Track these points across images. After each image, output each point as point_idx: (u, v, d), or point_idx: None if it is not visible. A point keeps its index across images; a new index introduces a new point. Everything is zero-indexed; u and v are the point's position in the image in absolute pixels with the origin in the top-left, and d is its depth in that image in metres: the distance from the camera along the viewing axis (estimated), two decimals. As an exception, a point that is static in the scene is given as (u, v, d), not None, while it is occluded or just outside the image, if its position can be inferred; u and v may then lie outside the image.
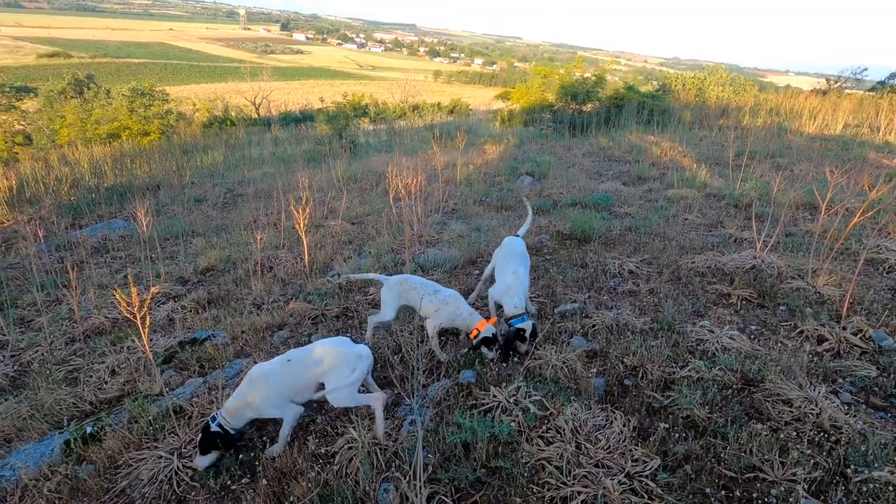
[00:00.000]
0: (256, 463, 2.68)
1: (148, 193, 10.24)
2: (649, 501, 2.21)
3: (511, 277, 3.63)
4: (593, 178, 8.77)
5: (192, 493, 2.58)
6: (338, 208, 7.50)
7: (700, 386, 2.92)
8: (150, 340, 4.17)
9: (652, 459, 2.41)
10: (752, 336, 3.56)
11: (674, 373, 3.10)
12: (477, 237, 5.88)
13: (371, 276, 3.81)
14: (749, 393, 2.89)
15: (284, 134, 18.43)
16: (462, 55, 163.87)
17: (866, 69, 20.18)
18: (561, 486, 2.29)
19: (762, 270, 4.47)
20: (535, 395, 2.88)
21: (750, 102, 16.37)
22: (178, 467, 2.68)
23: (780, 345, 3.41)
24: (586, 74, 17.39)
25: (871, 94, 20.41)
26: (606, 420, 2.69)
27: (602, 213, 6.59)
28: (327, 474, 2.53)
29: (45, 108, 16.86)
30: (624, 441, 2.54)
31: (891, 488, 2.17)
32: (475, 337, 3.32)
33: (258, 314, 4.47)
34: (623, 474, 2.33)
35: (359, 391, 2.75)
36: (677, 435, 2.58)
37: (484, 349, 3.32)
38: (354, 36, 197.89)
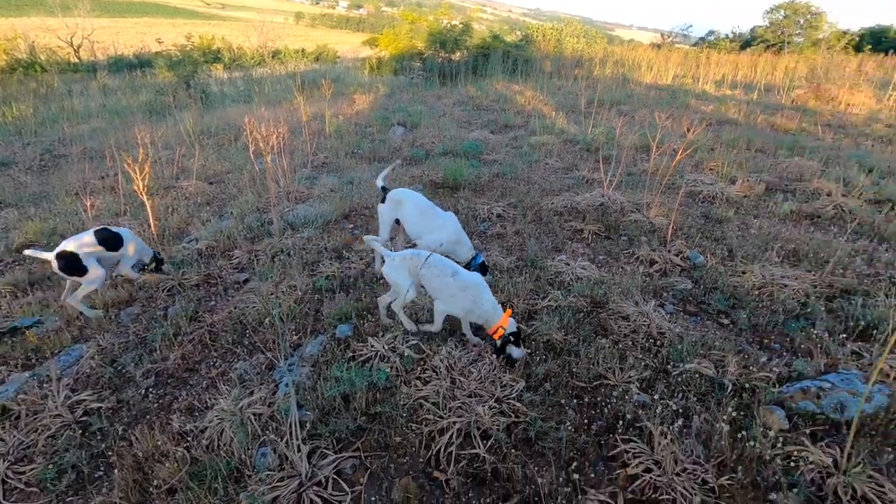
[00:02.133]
0: (110, 453, 2.41)
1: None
2: (516, 419, 2.45)
3: (450, 220, 3.54)
4: (463, 127, 8.94)
5: (29, 499, 2.25)
6: (191, 167, 6.70)
7: (558, 313, 3.25)
8: (-48, 336, 3.42)
9: (518, 383, 2.65)
10: (600, 265, 4.03)
11: (536, 304, 3.40)
12: (350, 190, 5.70)
13: (375, 244, 3.18)
14: (597, 314, 3.30)
15: (116, 82, 15.73)
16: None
17: (691, 26, 22.95)
18: (438, 419, 2.42)
19: (608, 207, 5.01)
20: (413, 339, 2.96)
21: (600, 54, 17.77)
22: (5, 474, 2.30)
23: (621, 270, 3.91)
24: (454, 22, 17.28)
25: (694, 48, 23.38)
26: (478, 355, 2.88)
27: (472, 160, 6.79)
28: (197, 451, 2.38)
29: None
30: (494, 371, 2.74)
31: (697, 376, 2.67)
32: (498, 335, 2.75)
33: (100, 291, 3.89)
34: (493, 399, 2.53)
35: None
36: (539, 358, 2.87)
37: (512, 349, 2.75)
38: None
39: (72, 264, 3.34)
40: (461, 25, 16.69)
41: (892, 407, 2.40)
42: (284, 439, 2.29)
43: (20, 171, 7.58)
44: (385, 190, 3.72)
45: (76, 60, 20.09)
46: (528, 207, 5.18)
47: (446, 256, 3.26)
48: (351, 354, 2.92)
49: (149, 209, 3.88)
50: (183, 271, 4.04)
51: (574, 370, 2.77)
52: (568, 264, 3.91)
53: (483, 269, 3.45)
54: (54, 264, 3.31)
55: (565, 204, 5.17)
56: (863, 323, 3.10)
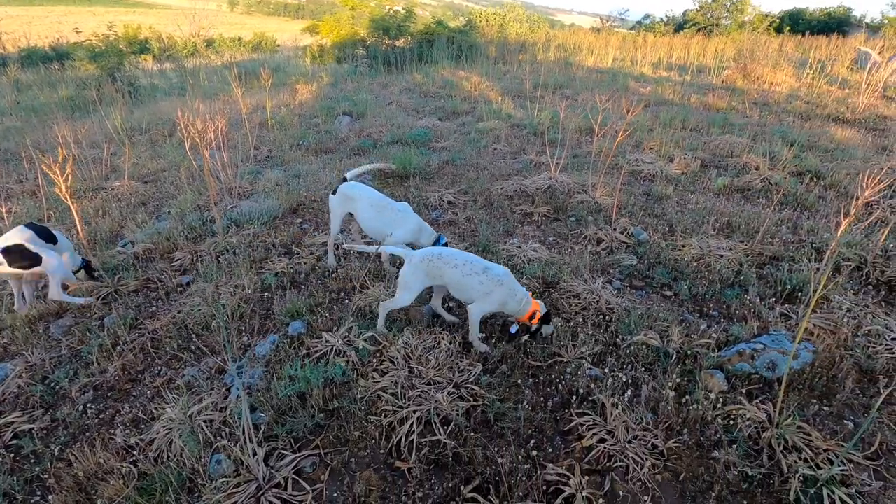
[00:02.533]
0: (45, 476, 2.25)
1: None
2: (475, 403, 2.48)
3: (406, 211, 3.51)
4: (411, 115, 8.84)
5: (-42, 535, 2.07)
6: (121, 166, 6.28)
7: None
8: None
9: (475, 367, 2.68)
10: (550, 246, 4.12)
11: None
12: (297, 184, 5.53)
13: (397, 250, 2.94)
14: (549, 294, 3.37)
15: (30, 76, 14.45)
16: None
17: (628, 10, 23.63)
18: (397, 409, 2.41)
19: (556, 189, 5.12)
20: (367, 332, 2.93)
21: (542, 39, 18.02)
22: (-74, 511, 2.11)
23: (570, 250, 4.02)
24: (396, 8, 16.98)
25: (632, 32, 24.12)
26: (435, 342, 2.88)
27: (421, 148, 6.74)
28: (144, 465, 2.26)
29: None
30: (451, 357, 2.76)
31: (644, 347, 2.80)
32: (536, 319, 2.77)
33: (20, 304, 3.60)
34: (452, 385, 2.55)
35: None
36: (494, 341, 2.91)
37: (545, 327, 2.85)
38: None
39: (22, 255, 3.16)
40: (404, 11, 16.43)
41: (817, 362, 2.61)
42: (239, 444, 2.22)
43: (-78, 177, 6.85)
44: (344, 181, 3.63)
45: (-18, 53, 18.27)
46: (478, 193, 5.21)
47: (412, 246, 3.23)
48: (305, 352, 2.86)
49: (75, 213, 3.60)
50: (119, 277, 3.80)
51: (529, 350, 2.83)
52: (520, 247, 3.97)
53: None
54: (2, 262, 3.11)
55: (515, 188, 5.24)
56: (789, 287, 3.34)
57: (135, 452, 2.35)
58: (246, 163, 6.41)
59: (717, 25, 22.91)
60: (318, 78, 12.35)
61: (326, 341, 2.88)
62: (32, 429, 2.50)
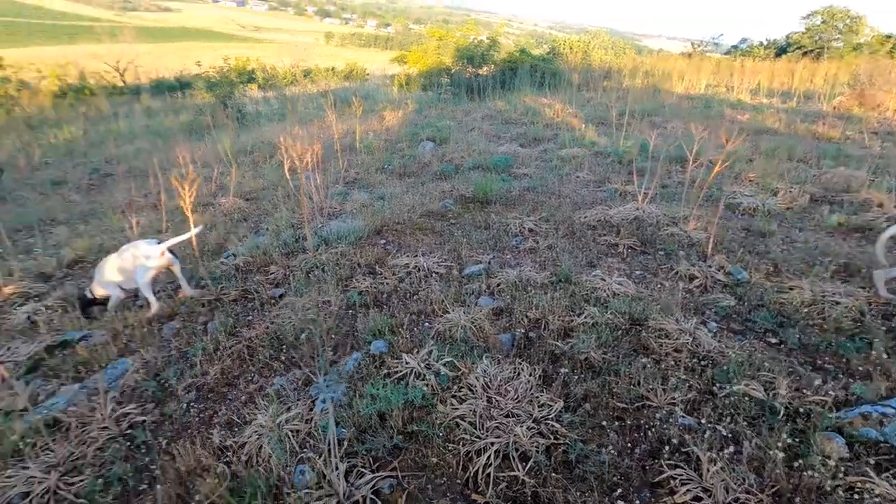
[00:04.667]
0: (153, 467, 2.47)
1: (-13, 178, 8.64)
2: (556, 441, 2.38)
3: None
4: (492, 141, 8.95)
5: (79, 511, 2.31)
6: (228, 184, 6.92)
7: (595, 330, 3.17)
8: (8, 350, 3.60)
9: (556, 403, 2.59)
10: (637, 280, 3.92)
11: (572, 321, 3.33)
12: (381, 206, 5.76)
13: None
14: (636, 331, 3.20)
15: (158, 104, 16.47)
16: (354, 15, 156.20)
17: (722, 34, 22.52)
18: (475, 439, 2.38)
19: (643, 220, 4.90)
20: (447, 357, 2.94)
21: (629, 65, 17.61)
22: (56, 486, 2.38)
23: (659, 286, 3.80)
24: (481, 37, 17.44)
25: (726, 56, 22.90)
26: (514, 372, 2.83)
27: (502, 174, 6.78)
28: (236, 466, 2.40)
29: None
30: (531, 390, 2.69)
31: (746, 398, 2.55)
32: None
33: (143, 306, 4.04)
34: (531, 420, 2.48)
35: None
36: (577, 377, 2.80)
37: None
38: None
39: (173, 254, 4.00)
40: (488, 41, 16.83)
41: (966, 436, 2.23)
42: (322, 457, 2.29)
43: (71, 189, 8.00)
44: None
45: (122, 84, 21.16)
46: (560, 221, 5.12)
47: None
48: (386, 371, 2.92)
49: (192, 225, 4.01)
50: (222, 286, 4.14)
51: (614, 390, 2.69)
52: (603, 280, 3.83)
53: None
54: (174, 262, 3.99)
55: (598, 218, 5.09)
56: (926, 343, 2.91)
57: (228, 454, 2.50)
58: (335, 184, 6.80)
59: (826, 48, 21.13)
60: (404, 105, 12.91)
61: (407, 363, 2.92)
62: (144, 421, 2.76)
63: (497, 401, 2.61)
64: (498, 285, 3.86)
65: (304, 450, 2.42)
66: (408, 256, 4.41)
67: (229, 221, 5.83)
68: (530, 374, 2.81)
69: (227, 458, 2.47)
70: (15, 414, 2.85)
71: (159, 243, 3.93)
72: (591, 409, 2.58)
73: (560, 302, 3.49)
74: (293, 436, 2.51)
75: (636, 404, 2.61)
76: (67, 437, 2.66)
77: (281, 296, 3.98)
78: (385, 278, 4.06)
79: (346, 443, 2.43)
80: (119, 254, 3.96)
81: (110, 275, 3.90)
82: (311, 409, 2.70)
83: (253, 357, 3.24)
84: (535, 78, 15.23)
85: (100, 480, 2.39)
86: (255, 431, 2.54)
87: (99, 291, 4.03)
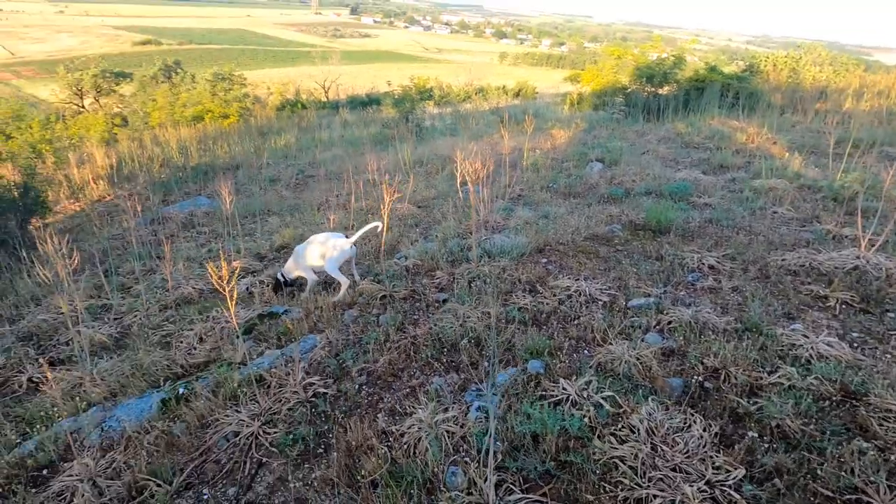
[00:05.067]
0: (330, 435, 2.81)
1: (228, 173, 10.88)
2: (732, 513, 2.08)
3: None
4: (669, 166, 8.28)
5: (270, 458, 2.74)
6: (404, 191, 7.60)
7: (792, 395, 2.70)
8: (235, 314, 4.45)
9: (736, 469, 2.26)
10: (854, 344, 3.23)
11: (761, 378, 2.88)
12: (545, 224, 5.74)
13: None
14: (850, 406, 2.64)
15: (352, 117, 18.88)
16: (530, 36, 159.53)
17: None
18: (635, 487, 2.20)
19: (867, 272, 4.03)
20: (607, 391, 2.79)
21: (854, 84, 14.74)
22: (258, 432, 2.86)
23: (888, 356, 3.08)
24: (664, 55, 16.31)
25: None
26: (685, 423, 2.56)
27: (679, 203, 6.22)
28: (396, 452, 2.60)
29: (139, 92, 18.28)
30: (704, 447, 2.40)
31: None
32: None
33: (329, 293, 4.65)
34: (703, 481, 2.21)
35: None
36: (766, 446, 2.41)
37: None
38: (421, 18, 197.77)
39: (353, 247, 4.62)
40: (672, 58, 15.66)
41: None
42: (474, 464, 2.35)
43: (283, 186, 9.61)
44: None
45: (325, 99, 24.81)
46: (749, 261, 4.49)
47: None
48: (541, 393, 2.89)
49: (385, 225, 4.58)
50: (394, 284, 4.55)
51: (817, 472, 2.24)
52: (806, 336, 3.23)
53: None
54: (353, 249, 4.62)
55: (802, 262, 4.33)
56: None
57: (390, 439, 2.73)
58: (500, 199, 6.98)
59: None
60: (574, 124, 12.71)
61: (564, 389, 2.85)
62: (326, 393, 3.16)
63: (662, 450, 2.39)
64: (669, 323, 3.54)
65: (458, 453, 2.51)
66: (569, 279, 4.30)
67: (403, 225, 6.39)
68: (704, 429, 2.51)
69: (389, 443, 2.70)
70: (235, 365, 3.52)
71: (347, 237, 4.50)
72: (784, 487, 2.20)
73: (746, 354, 3.06)
74: (448, 436, 2.63)
75: (847, 496, 2.14)
76: (268, 393, 3.18)
77: (444, 300, 4.21)
78: (545, 298, 4.03)
79: (498, 456, 2.46)
80: (313, 242, 4.61)
81: (311, 259, 4.58)
82: (466, 415, 2.80)
83: (416, 354, 3.49)
84: (726, 99, 13.67)
85: (290, 436, 2.80)
86: (415, 424, 2.72)
87: (294, 274, 4.76)
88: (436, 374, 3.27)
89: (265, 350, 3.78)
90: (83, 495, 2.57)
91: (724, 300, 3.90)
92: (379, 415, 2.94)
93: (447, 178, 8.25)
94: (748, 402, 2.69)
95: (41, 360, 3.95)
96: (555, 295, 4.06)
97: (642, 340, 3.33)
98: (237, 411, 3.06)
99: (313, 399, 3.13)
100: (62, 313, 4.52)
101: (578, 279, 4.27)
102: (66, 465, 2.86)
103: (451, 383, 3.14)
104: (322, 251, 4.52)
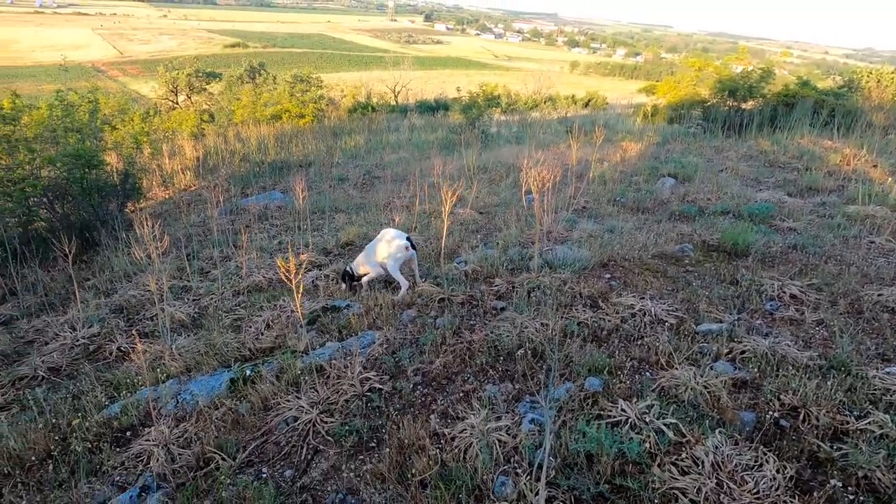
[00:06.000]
0: (383, 430, 2.87)
1: (301, 170, 11.44)
2: (806, 565, 1.91)
3: None
4: (749, 186, 7.78)
5: (326, 446, 2.84)
6: (467, 197, 7.64)
7: (885, 444, 2.44)
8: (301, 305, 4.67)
9: (813, 518, 2.08)
10: (963, 396, 2.87)
11: (847, 422, 2.63)
12: (610, 239, 5.57)
13: None
14: (956, 466, 2.35)
15: (420, 121, 19.24)
16: (603, 45, 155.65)
17: None
18: (696, 522, 2.08)
19: (983, 316, 3.58)
20: (670, 417, 2.65)
21: (978, 104, 13.15)
22: (316, 420, 2.97)
23: None
24: (749, 67, 15.35)
25: None
26: (756, 461, 2.38)
27: (759, 225, 5.83)
28: (446, 455, 2.61)
29: (226, 91, 19.65)
30: (777, 489, 2.22)
31: None
32: None
33: (388, 291, 4.76)
34: (774, 527, 2.05)
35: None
36: (850, 497, 2.19)
37: None
38: (493, 26, 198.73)
39: (414, 249, 4.69)
40: (760, 71, 14.70)
41: None
42: (525, 476, 2.32)
43: (350, 185, 9.96)
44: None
45: (395, 103, 25.49)
46: (839, 294, 4.12)
47: None
48: (598, 412, 2.80)
49: (445, 228, 4.62)
50: (452, 288, 4.58)
51: (911, 534, 2.02)
52: (904, 382, 2.92)
53: None
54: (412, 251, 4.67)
55: (902, 299, 3.92)
56: None
57: (441, 442, 2.74)
58: (564, 210, 6.85)
59: None
60: (647, 136, 12.25)
61: (623, 410, 2.74)
62: (381, 389, 3.23)
63: (729, 487, 2.24)
64: (742, 353, 3.32)
65: (508, 463, 2.49)
66: (633, 297, 4.15)
67: (464, 231, 6.43)
68: (777, 470, 2.33)
69: (440, 445, 2.71)
70: (298, 353, 3.68)
71: (407, 238, 4.59)
72: (869, 545, 1.99)
73: (831, 394, 2.80)
74: (499, 445, 2.61)
75: (947, 566, 1.91)
76: (327, 384, 3.30)
77: (502, 308, 4.19)
78: (607, 314, 3.90)
79: (552, 472, 2.41)
80: (382, 239, 4.73)
81: (380, 256, 4.69)
82: (519, 426, 2.77)
83: (472, 359, 3.49)
84: (820, 116, 12.63)
85: (345, 427, 2.89)
86: (467, 430, 2.72)
87: (362, 269, 4.91)
88: (490, 381, 3.25)
89: (326, 342, 3.93)
90: (158, 460, 2.78)
91: (807, 333, 3.60)
92: (431, 416, 2.97)
93: (510, 186, 8.22)
94: (831, 446, 2.47)
95: (133, 332, 4.34)
96: (617, 312, 3.93)
97: (711, 368, 3.14)
98: (297, 397, 3.20)
99: (369, 393, 3.21)
100: (150, 291, 4.94)
101: (643, 298, 4.11)
102: (145, 430, 3.12)
103: (504, 392, 3.11)
104: (388, 250, 4.64)
